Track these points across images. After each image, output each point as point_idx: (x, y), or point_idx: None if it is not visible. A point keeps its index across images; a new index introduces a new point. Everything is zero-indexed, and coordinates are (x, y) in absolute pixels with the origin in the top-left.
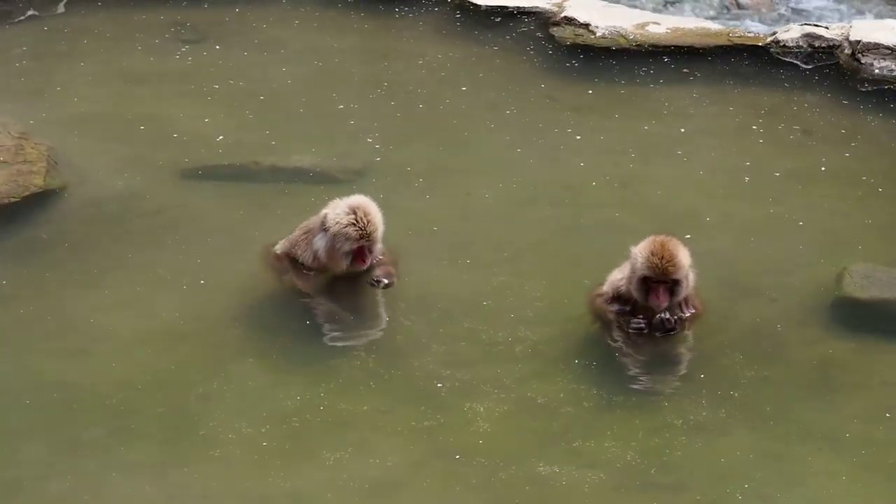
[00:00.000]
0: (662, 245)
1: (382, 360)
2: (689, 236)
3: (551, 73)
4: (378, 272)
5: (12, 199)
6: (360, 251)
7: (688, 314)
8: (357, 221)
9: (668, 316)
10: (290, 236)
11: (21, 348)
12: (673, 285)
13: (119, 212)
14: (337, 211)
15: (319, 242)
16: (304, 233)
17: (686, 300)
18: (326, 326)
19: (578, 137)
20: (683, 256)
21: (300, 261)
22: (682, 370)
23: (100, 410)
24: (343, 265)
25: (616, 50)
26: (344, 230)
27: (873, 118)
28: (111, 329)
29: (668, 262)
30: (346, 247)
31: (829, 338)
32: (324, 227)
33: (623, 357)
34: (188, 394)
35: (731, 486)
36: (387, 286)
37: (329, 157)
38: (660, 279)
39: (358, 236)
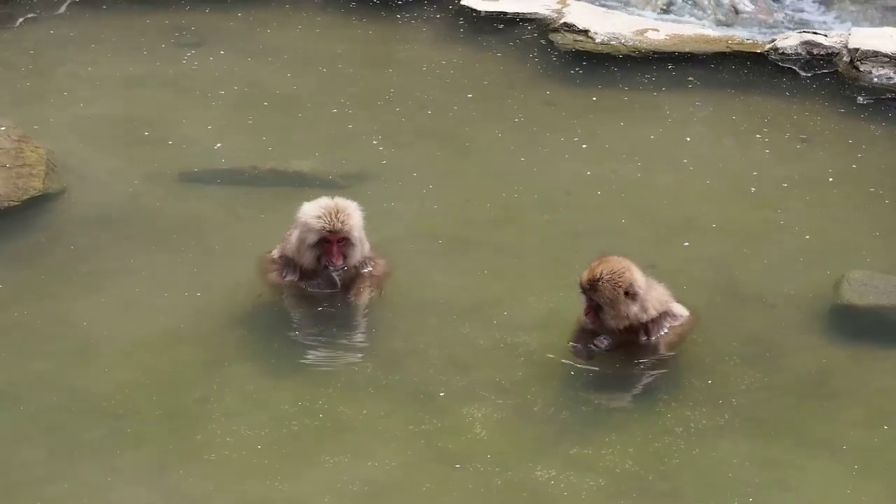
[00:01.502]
0: (592, 266)
1: (381, 365)
2: (687, 243)
3: (554, 80)
4: (360, 281)
5: (11, 203)
6: (328, 247)
7: (645, 339)
8: (322, 215)
9: (600, 343)
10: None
11: (20, 351)
12: (597, 307)
13: (118, 215)
14: (312, 204)
15: (293, 235)
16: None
17: (645, 326)
18: (325, 331)
19: (583, 145)
20: (609, 281)
21: (289, 256)
22: (681, 377)
23: (98, 413)
24: (310, 259)
25: (618, 56)
26: (309, 220)
27: (874, 126)
28: (110, 332)
29: (589, 280)
30: (310, 238)
31: (828, 345)
32: (296, 219)
33: (621, 363)
34: (186, 397)
35: (729, 493)
36: (319, 288)
37: (330, 162)
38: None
39: (319, 226)
